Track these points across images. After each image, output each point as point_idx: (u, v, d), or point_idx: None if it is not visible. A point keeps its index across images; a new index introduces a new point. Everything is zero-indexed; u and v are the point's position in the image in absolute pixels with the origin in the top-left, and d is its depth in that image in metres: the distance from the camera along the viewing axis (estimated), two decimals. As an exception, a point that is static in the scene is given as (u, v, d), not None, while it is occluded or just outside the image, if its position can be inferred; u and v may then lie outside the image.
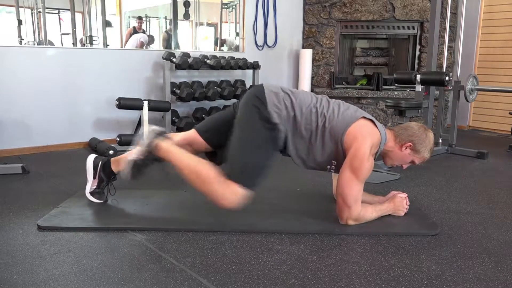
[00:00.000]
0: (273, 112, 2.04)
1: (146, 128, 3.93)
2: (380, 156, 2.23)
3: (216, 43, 5.17)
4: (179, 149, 2.13)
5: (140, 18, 4.70)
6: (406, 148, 2.18)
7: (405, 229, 2.13)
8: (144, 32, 4.67)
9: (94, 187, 2.33)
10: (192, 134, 2.30)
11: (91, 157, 2.33)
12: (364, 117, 2.11)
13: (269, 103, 2.04)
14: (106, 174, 2.32)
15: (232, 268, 1.72)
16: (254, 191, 2.04)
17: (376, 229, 2.10)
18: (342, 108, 2.13)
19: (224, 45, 5.18)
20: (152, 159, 2.14)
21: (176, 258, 1.79)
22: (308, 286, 1.60)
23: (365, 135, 2.05)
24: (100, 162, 2.31)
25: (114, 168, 2.31)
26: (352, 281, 1.63)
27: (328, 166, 2.16)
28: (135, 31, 4.63)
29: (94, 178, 2.31)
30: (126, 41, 4.56)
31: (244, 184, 2.00)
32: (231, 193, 1.98)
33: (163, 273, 1.67)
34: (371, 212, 2.16)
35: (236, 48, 5.13)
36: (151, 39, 4.72)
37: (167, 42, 4.81)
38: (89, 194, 2.34)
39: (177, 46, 4.76)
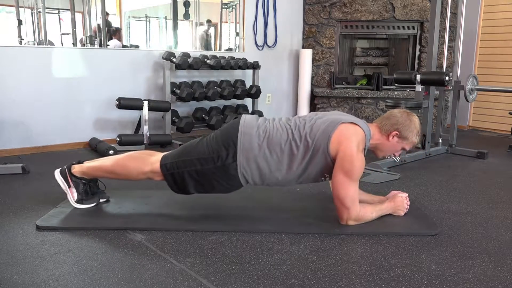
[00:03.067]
0: (241, 175, 2.08)
1: (145, 127, 3.94)
2: (370, 151, 2.23)
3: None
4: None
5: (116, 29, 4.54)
6: (393, 137, 2.17)
7: (405, 229, 2.13)
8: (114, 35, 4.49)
9: (76, 194, 2.28)
10: None
11: (57, 171, 2.30)
12: (342, 122, 2.09)
13: (238, 167, 2.06)
14: (77, 177, 2.28)
15: (232, 268, 1.72)
16: (165, 178, 2.15)
17: (376, 229, 2.10)
18: (319, 122, 2.11)
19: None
20: (83, 184, 2.29)
21: (176, 258, 1.79)
22: (308, 286, 1.60)
23: (348, 136, 2.05)
24: (66, 168, 2.28)
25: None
26: (352, 281, 1.63)
27: (322, 178, 2.17)
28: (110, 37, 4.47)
29: (69, 186, 2.28)
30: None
31: (165, 163, 2.12)
32: (150, 162, 2.16)
33: (163, 273, 1.67)
34: (371, 212, 2.15)
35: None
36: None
37: (206, 42, 4.76)
38: (76, 204, 2.28)
39: (177, 46, 4.77)
